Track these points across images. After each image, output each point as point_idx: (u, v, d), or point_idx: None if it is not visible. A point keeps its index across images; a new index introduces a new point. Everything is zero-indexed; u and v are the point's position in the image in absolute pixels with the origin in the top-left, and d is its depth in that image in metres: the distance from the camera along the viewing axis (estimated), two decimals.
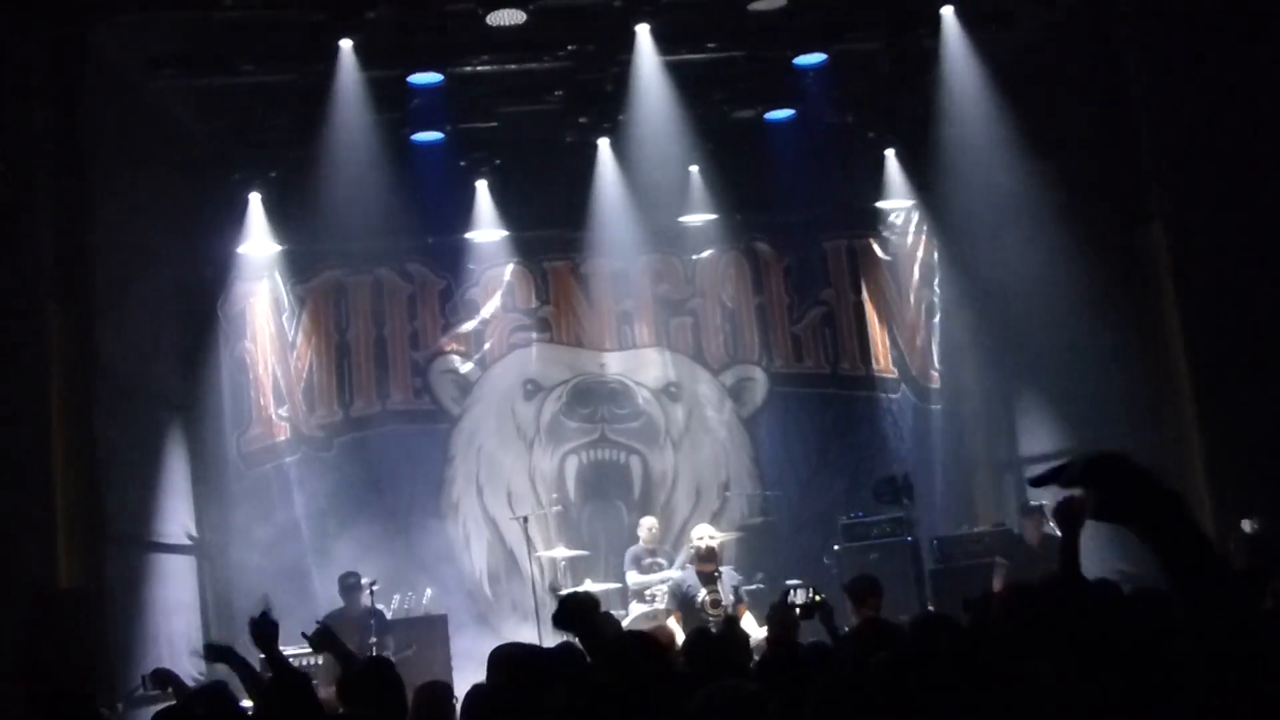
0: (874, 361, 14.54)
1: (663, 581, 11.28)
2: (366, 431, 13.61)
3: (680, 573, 10.87)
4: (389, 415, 13.68)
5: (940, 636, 4.09)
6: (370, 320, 13.86)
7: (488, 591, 13.47)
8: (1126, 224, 11.52)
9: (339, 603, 11.18)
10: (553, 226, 14.02)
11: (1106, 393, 11.66)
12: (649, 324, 14.31)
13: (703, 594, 10.09)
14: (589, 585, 11.57)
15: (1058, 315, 12.25)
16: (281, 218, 13.21)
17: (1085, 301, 11.81)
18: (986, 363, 14.10)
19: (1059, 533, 4.37)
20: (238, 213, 13.12)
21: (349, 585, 11.08)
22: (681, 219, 14.20)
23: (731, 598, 10.07)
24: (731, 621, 8.81)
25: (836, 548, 12.46)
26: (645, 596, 11.36)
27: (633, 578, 11.83)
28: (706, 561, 10.20)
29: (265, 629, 5.25)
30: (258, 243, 13.30)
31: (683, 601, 10.15)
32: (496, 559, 13.56)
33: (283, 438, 13.38)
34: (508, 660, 4.44)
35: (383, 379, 13.71)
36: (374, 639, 10.38)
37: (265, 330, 13.51)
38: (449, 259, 13.91)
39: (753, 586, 11.48)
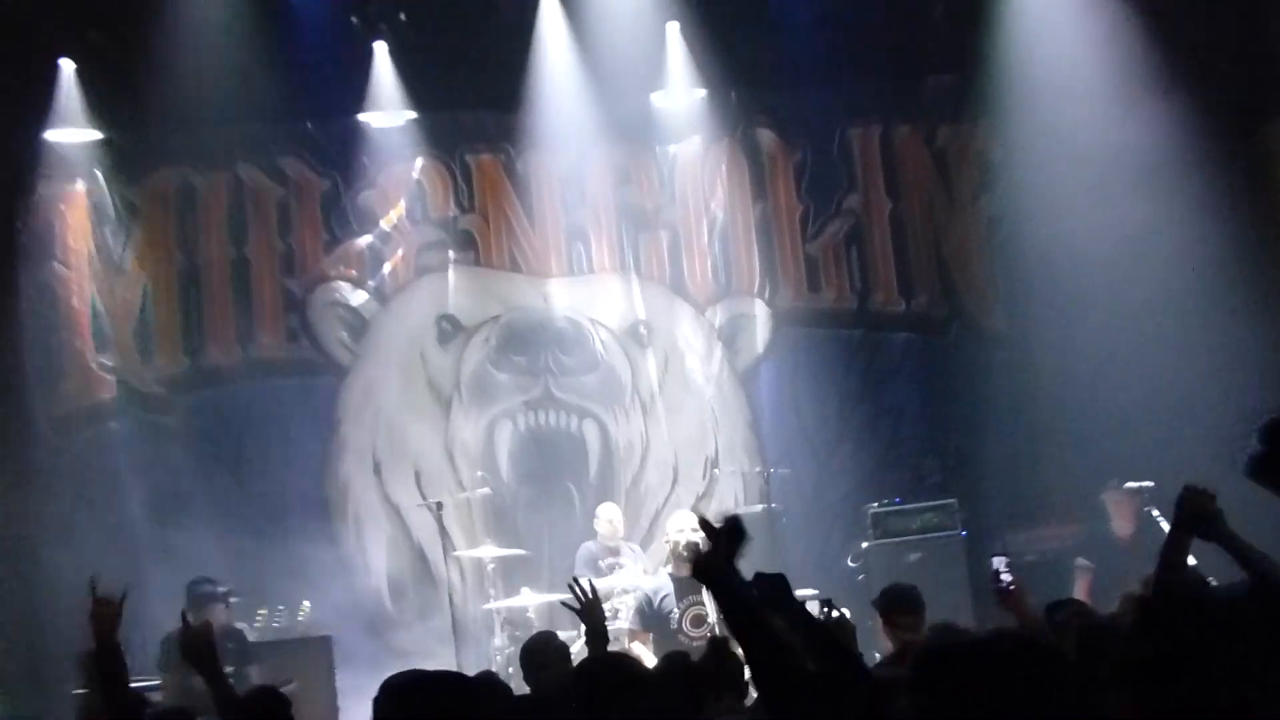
0: (917, 293, 14.68)
1: (626, 591, 11.37)
2: (222, 388, 13.69)
3: (650, 579, 10.93)
4: (253, 366, 13.77)
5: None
6: (227, 236, 13.88)
7: (388, 604, 13.56)
8: (1251, 123, 11.83)
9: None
10: (478, 106, 14.09)
11: (1227, 339, 12.10)
12: (609, 241, 14.40)
13: (680, 608, 10.18)
14: (526, 596, 11.79)
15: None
16: (105, 94, 13.18)
17: (1199, 213, 12.22)
18: (1065, 296, 14.17)
19: (1163, 526, 4.36)
20: (43, 87, 13.07)
21: (199, 596, 11.08)
22: (654, 97, 14.21)
23: (717, 612, 9.87)
24: (719, 646, 8.66)
25: (864, 545, 12.69)
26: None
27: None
28: (683, 563, 10.19)
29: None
30: (71, 129, 13.24)
31: (653, 618, 10.24)
32: (400, 561, 13.68)
33: (107, 395, 13.42)
34: (407, 694, 4.26)
35: (244, 316, 13.80)
36: (231, 668, 10.22)
37: (83, 249, 13.46)
38: (335, 151, 13.95)
39: None
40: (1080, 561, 11.69)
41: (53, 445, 13.14)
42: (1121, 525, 11.74)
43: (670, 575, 10.39)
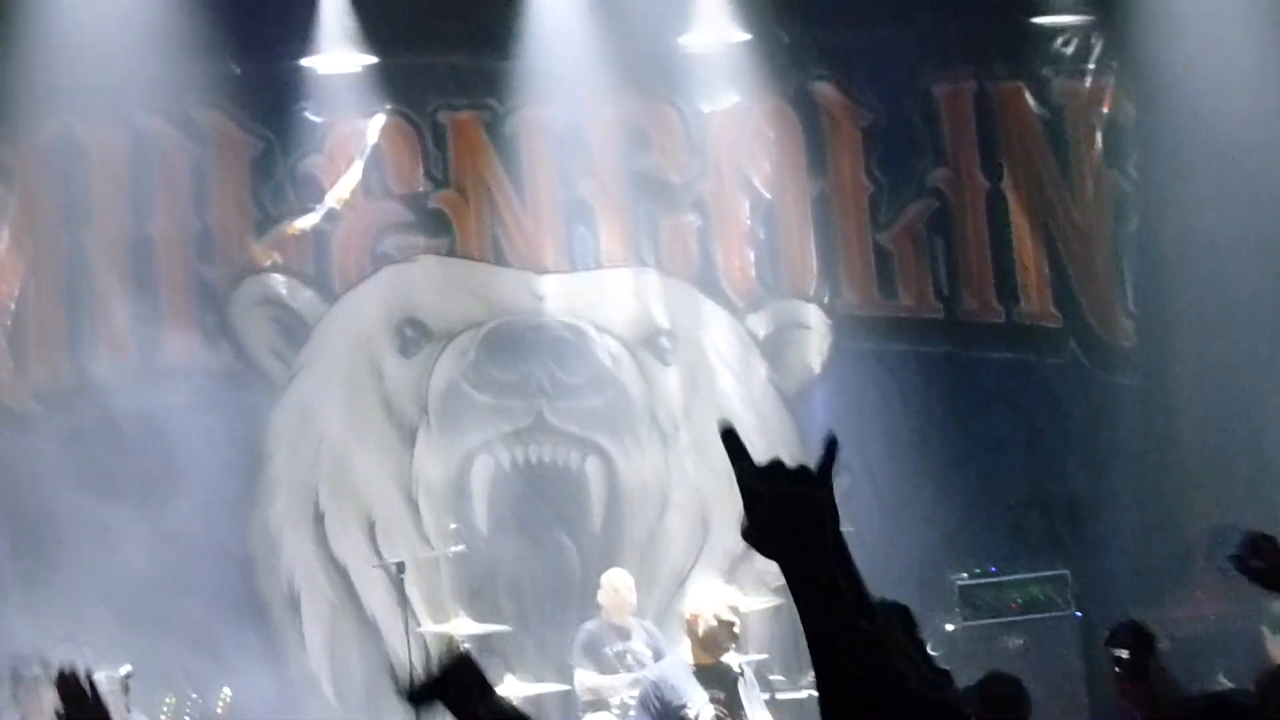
0: (1021, 298, 14.63)
1: (637, 684, 11.00)
2: (117, 404, 13.38)
3: (660, 668, 10.64)
4: (156, 378, 13.55)
5: None
6: (127, 209, 13.77)
7: (328, 694, 13.49)
8: None
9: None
10: (454, 49, 14.06)
11: None
12: (621, 225, 14.36)
13: (699, 706, 9.75)
14: (512, 685, 11.55)
15: None
16: None
17: None
18: (1212, 305, 14.06)
19: None
20: None
21: (26, 680, 10.85)
22: (682, 41, 14.26)
23: (751, 712, 9.89)
24: None
25: (949, 627, 12.76)
26: (607, 709, 11.50)
27: (586, 677, 11.89)
28: (714, 648, 9.93)
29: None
30: None
31: (664, 717, 9.86)
32: (346, 637, 13.60)
33: None
34: None
35: (148, 314, 13.59)
36: None
37: None
38: (270, 104, 13.91)
39: (799, 695, 11.57)
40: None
41: None
42: None
43: (691, 663, 10.05)
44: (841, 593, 3.35)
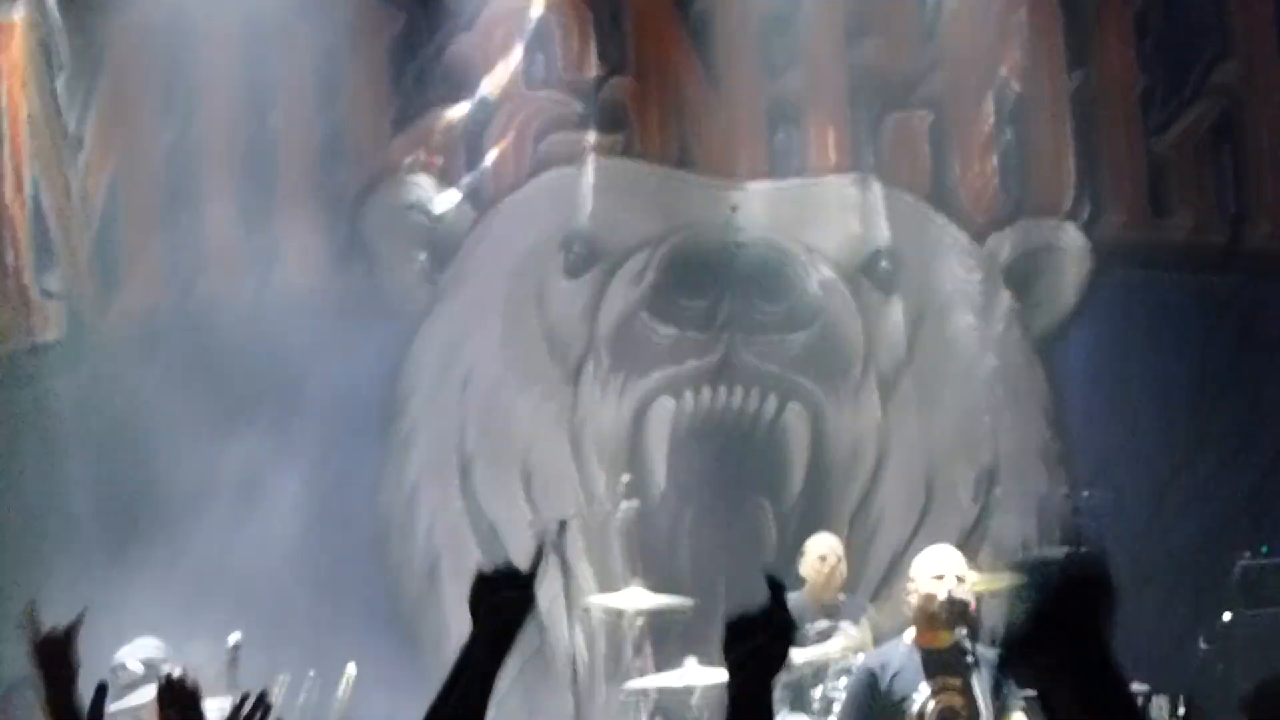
0: None
1: (845, 671, 11.21)
2: (225, 333, 13.55)
3: (878, 653, 10.53)
4: (274, 301, 13.73)
5: None
6: (241, 98, 13.93)
7: None
8: None
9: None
10: None
11: None
12: (835, 125, 14.38)
13: (924, 695, 9.72)
14: (691, 671, 11.54)
15: None
16: None
17: None
18: None
19: None
20: None
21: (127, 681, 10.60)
22: None
23: (989, 707, 9.62)
24: None
25: (1227, 616, 12.64)
26: (811, 699, 11.43)
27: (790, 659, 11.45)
28: (939, 628, 9.74)
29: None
30: None
31: (879, 709, 9.90)
32: None
33: (51, 336, 13.56)
34: None
35: (264, 225, 13.80)
36: None
37: (19, 113, 13.62)
38: None
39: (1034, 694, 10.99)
40: None
41: None
42: None
43: (914, 644, 9.89)
44: None
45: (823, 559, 12.20)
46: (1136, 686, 9.89)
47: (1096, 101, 14.35)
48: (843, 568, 12.32)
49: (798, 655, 11.58)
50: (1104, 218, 14.26)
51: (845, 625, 12.01)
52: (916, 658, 9.79)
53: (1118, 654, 4.72)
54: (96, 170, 13.62)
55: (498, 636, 4.43)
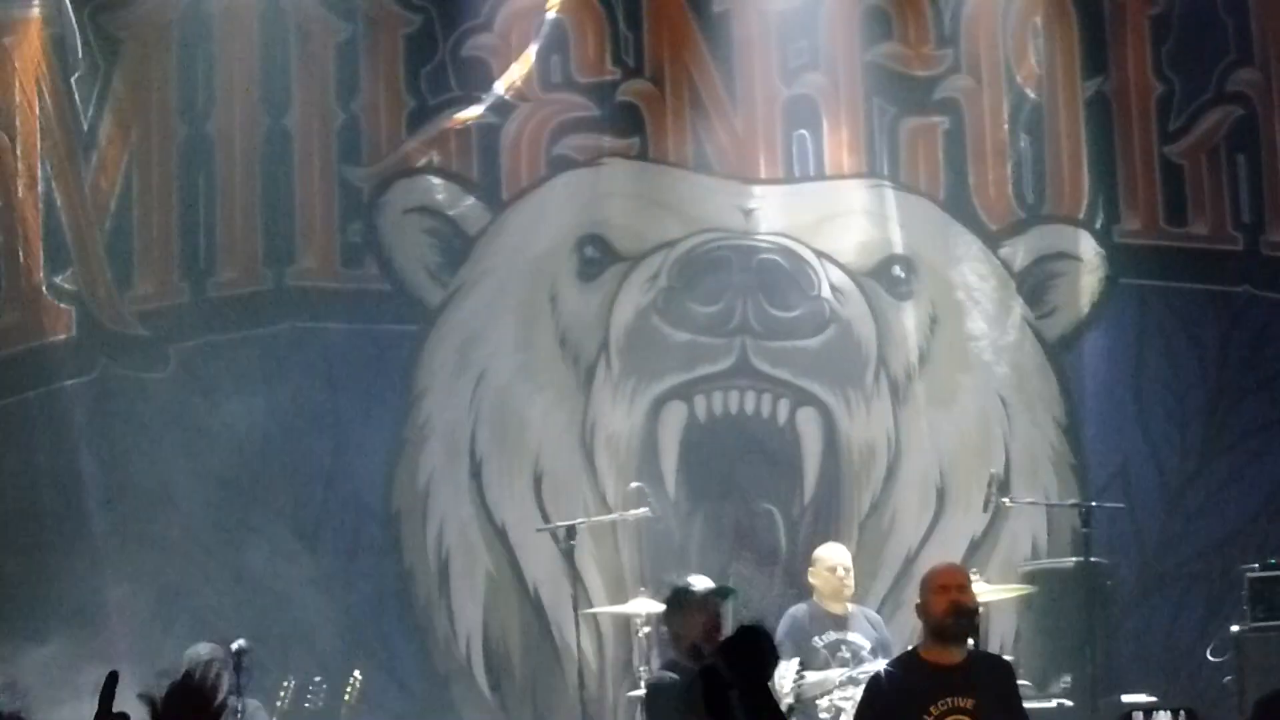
0: None
1: (855, 681, 11.17)
2: (237, 330, 13.64)
3: (886, 664, 10.30)
4: (290, 298, 13.77)
5: None
6: (257, 95, 13.81)
7: (482, 683, 13.59)
8: None
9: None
10: None
11: None
12: (851, 128, 14.29)
13: (935, 711, 9.36)
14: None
15: None
16: None
17: None
18: None
19: None
20: None
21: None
22: None
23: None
24: None
25: (1236, 628, 12.60)
26: (815, 712, 11.40)
27: (789, 670, 11.33)
28: (949, 640, 9.45)
29: None
30: None
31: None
32: (504, 614, 13.73)
33: (62, 336, 13.46)
34: None
35: (278, 222, 13.76)
36: None
37: (32, 108, 13.54)
38: None
39: (1047, 704, 11.76)
40: None
41: None
42: None
43: (919, 655, 9.62)
44: None
45: (831, 569, 12.13)
46: (1138, 697, 10.36)
47: (1112, 108, 14.31)
48: (850, 578, 12.24)
49: (815, 675, 11.54)
50: (1119, 225, 14.25)
51: (855, 636, 11.96)
52: (919, 668, 9.59)
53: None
54: (110, 169, 13.50)
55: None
